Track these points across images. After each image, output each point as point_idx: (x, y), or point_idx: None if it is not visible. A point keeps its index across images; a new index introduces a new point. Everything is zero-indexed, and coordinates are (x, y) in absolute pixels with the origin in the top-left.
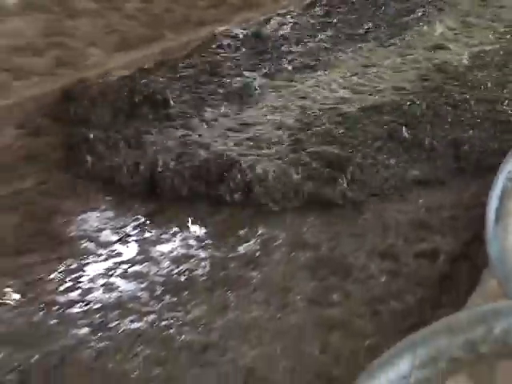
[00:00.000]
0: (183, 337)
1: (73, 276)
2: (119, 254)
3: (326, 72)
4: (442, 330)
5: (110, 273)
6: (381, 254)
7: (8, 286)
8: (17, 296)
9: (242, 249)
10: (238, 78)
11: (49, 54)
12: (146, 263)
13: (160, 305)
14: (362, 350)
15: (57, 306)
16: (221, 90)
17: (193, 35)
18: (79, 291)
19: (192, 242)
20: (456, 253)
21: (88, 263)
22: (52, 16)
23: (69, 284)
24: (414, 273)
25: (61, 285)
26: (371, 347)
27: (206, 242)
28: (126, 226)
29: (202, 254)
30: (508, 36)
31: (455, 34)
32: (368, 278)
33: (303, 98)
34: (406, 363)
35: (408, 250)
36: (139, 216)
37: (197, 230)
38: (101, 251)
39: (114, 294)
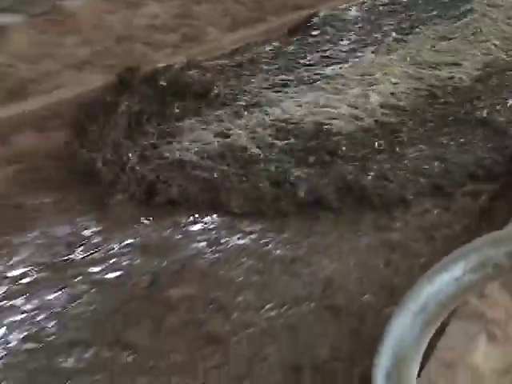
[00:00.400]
0: (277, 252)
1: None
2: None
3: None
4: (488, 242)
5: None
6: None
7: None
8: (151, 218)
9: None
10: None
11: (179, 32)
12: None
13: (259, 226)
14: (417, 266)
15: (181, 225)
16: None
17: (290, 18)
18: None
19: None
20: (495, 193)
21: None
22: (182, 2)
23: None
24: (461, 208)
25: None
26: (425, 264)
27: None
28: None
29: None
30: None
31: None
32: (424, 211)
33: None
34: (459, 268)
35: (456, 190)
36: None
37: None
38: None
39: (226, 218)
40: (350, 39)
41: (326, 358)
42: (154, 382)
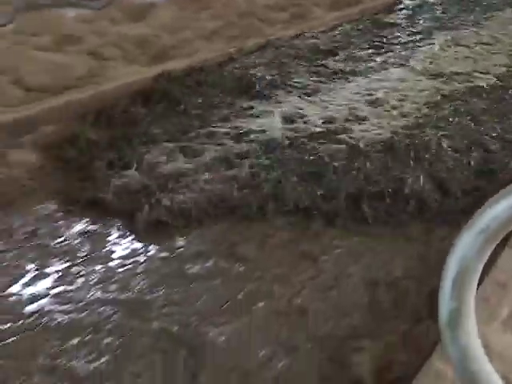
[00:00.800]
0: None
1: None
2: None
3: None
4: None
5: None
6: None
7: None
8: None
9: None
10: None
11: (288, 11)
12: None
13: None
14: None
15: None
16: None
17: (383, 1)
18: None
19: None
20: None
21: None
22: None
23: None
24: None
25: None
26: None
27: None
28: None
29: None
30: None
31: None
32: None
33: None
34: None
35: None
36: None
37: None
38: None
39: None
40: (413, 32)
41: (399, 276)
42: (260, 288)
